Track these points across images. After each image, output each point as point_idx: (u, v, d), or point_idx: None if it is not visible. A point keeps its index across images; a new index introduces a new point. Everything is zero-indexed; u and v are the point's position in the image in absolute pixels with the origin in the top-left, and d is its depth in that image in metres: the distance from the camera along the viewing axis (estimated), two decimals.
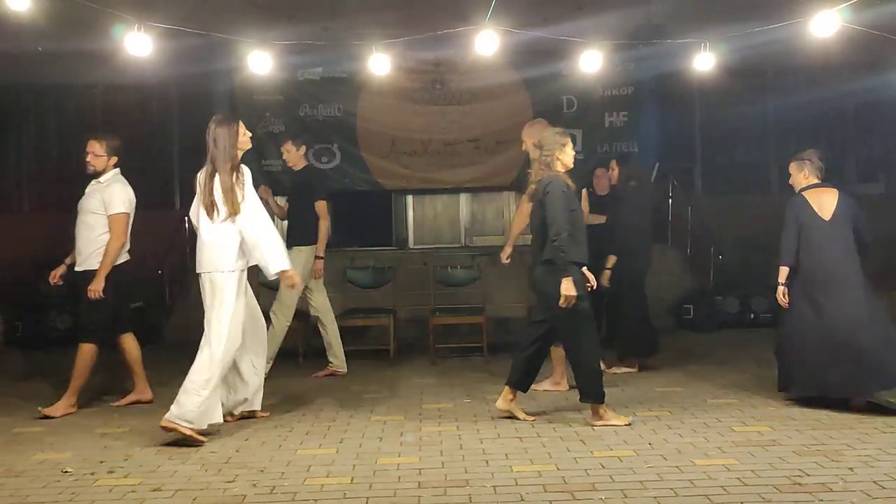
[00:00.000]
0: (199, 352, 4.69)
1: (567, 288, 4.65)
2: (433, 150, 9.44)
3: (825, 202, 5.29)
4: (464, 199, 10.14)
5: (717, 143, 10.63)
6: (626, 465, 3.99)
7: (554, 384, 5.84)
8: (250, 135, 5.10)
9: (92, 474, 4.05)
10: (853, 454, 4.09)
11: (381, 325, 7.50)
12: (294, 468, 4.09)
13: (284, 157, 6.86)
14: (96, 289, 5.30)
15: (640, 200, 6.67)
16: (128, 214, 5.48)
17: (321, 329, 6.75)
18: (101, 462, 4.25)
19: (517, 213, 6.23)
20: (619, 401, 5.44)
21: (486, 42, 6.11)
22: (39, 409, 5.27)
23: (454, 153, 9.46)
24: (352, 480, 3.87)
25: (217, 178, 4.81)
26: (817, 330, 5.05)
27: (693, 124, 10.45)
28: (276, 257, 4.84)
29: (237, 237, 4.80)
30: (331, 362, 6.71)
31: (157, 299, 8.82)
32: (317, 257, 6.55)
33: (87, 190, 5.55)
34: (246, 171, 4.92)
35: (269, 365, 6.34)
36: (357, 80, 8.94)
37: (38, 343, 8.32)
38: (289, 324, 6.52)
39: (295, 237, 6.57)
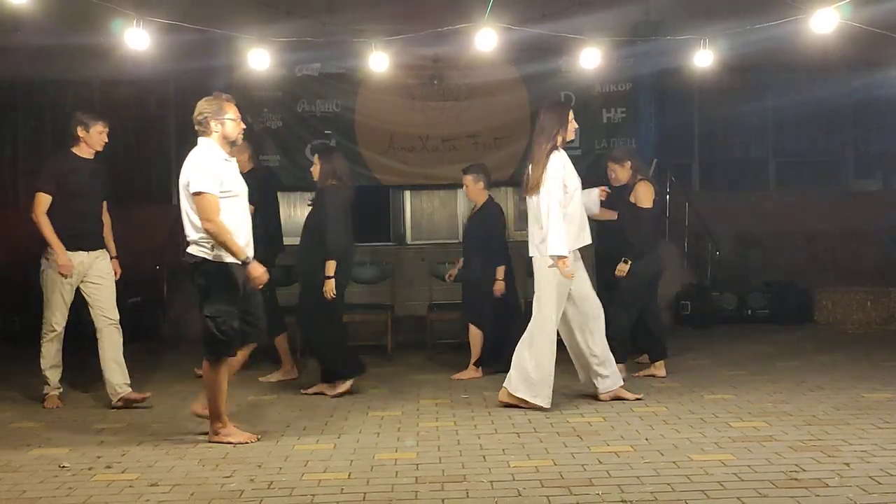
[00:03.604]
0: None
1: None
2: (431, 146, 9.42)
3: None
4: (462, 194, 10.07)
5: (716, 139, 10.64)
6: (622, 461, 4.00)
7: (285, 374, 6.36)
8: (576, 126, 5.24)
9: (89, 469, 4.05)
10: (849, 450, 4.10)
11: (379, 321, 7.50)
12: (292, 463, 4.09)
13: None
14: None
15: (338, 199, 5.81)
16: None
17: None
18: (99, 457, 4.25)
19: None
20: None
21: (485, 38, 6.11)
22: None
23: (452, 149, 9.45)
24: (349, 475, 3.88)
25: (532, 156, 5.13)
26: None
27: (691, 121, 10.45)
28: (551, 242, 4.94)
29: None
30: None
31: (154, 295, 8.81)
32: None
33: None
34: (556, 157, 5.04)
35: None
36: (355, 76, 8.92)
37: (36, 338, 8.30)
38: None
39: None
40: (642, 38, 8.15)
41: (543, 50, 8.57)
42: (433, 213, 10.11)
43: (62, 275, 5.33)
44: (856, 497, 3.42)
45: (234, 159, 4.65)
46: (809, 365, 6.49)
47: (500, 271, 6.31)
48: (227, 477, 3.89)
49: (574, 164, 5.20)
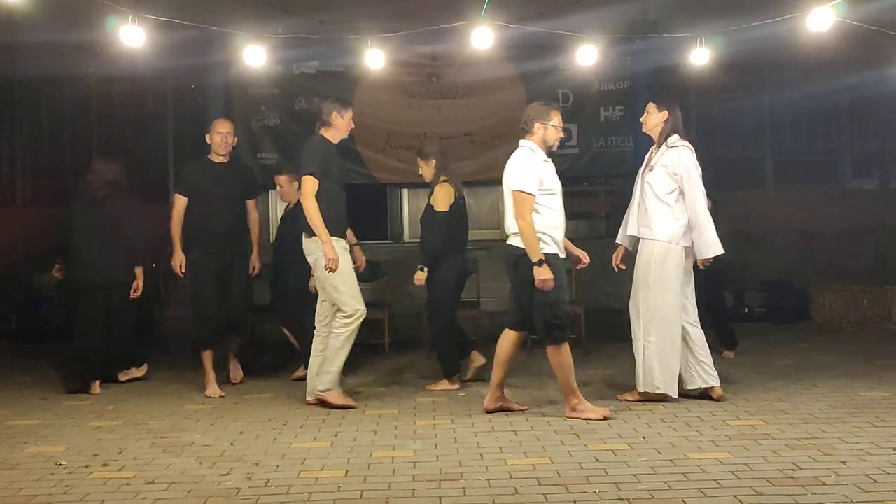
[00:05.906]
0: None
1: None
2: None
3: None
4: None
5: (713, 138, 10.64)
6: (619, 459, 4.00)
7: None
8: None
9: (86, 467, 4.04)
10: (846, 448, 4.11)
11: (376, 319, 7.48)
12: (289, 461, 4.09)
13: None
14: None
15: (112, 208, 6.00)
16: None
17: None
18: (96, 455, 4.25)
19: None
20: (612, 394, 5.44)
21: (482, 36, 6.10)
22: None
23: (449, 147, 9.40)
24: (346, 473, 3.88)
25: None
26: None
27: (688, 119, 10.41)
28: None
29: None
30: None
31: (153, 292, 8.78)
32: None
33: None
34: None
35: None
36: (353, 73, 8.91)
37: (33, 337, 8.31)
38: None
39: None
40: (640, 36, 8.15)
41: (541, 48, 8.57)
42: None
43: (329, 269, 5.09)
44: (852, 495, 3.43)
45: (550, 160, 4.93)
46: (806, 363, 6.50)
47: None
48: (224, 475, 3.88)
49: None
